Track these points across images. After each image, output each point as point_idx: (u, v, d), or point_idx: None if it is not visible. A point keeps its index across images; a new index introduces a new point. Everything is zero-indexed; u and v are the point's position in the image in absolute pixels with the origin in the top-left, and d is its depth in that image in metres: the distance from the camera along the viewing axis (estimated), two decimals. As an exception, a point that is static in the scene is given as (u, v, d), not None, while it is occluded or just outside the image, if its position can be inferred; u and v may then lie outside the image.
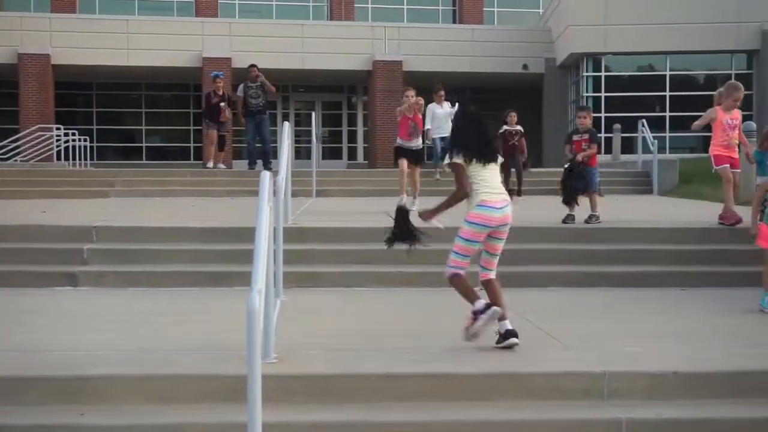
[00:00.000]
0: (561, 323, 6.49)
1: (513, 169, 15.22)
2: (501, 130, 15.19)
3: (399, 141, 12.28)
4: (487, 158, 5.86)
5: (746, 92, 25.63)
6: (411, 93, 12.13)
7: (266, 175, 5.04)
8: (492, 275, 5.82)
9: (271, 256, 5.34)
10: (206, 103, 18.79)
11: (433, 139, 16.66)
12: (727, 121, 9.55)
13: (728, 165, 9.49)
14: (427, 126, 15.85)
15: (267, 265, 4.81)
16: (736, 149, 9.63)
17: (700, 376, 5.04)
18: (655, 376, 5.00)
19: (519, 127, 15.50)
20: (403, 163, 12.03)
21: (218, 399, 4.69)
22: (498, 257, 5.85)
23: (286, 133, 9.50)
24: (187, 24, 28.23)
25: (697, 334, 6.15)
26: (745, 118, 20.72)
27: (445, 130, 15.64)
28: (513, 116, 15.53)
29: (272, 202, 5.46)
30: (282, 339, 5.47)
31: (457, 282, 5.89)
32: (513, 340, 5.52)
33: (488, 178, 5.84)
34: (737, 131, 9.64)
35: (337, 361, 5.18)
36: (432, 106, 16.43)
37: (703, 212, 11.41)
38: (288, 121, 29.40)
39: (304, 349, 5.42)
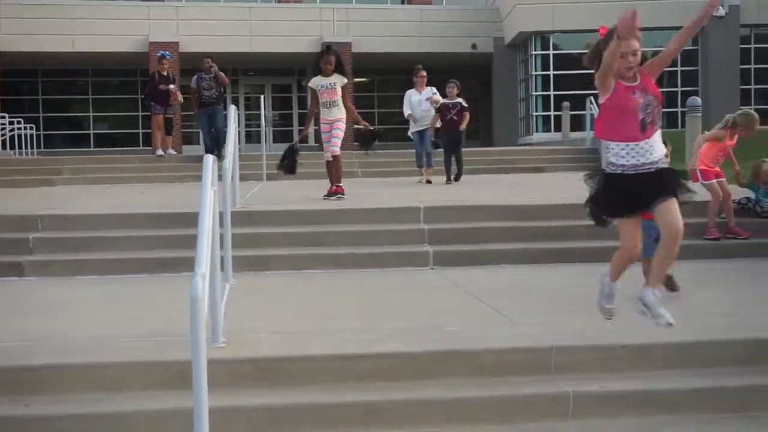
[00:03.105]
0: (510, 300, 6.54)
1: (449, 149, 13.63)
2: (438, 105, 13.64)
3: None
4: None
5: (692, 68, 26.20)
6: None
7: (209, 158, 5.00)
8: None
9: (218, 240, 5.29)
10: (151, 85, 18.38)
11: (412, 134, 14.11)
12: (728, 147, 9.12)
13: (715, 180, 8.95)
14: (407, 112, 13.90)
15: (212, 249, 4.78)
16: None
17: (645, 347, 5.11)
18: (601, 349, 5.07)
19: (460, 100, 13.60)
20: (629, 228, 5.02)
21: (166, 386, 4.65)
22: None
23: (232, 116, 9.43)
24: (132, 8, 27.86)
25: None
26: (689, 93, 21.08)
27: (422, 120, 13.88)
28: (452, 88, 13.62)
29: (217, 186, 5.42)
30: (231, 323, 5.44)
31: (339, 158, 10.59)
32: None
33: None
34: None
35: (286, 343, 5.17)
36: (409, 92, 14.02)
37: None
38: (237, 104, 29.29)
39: (253, 333, 5.40)
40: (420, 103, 13.78)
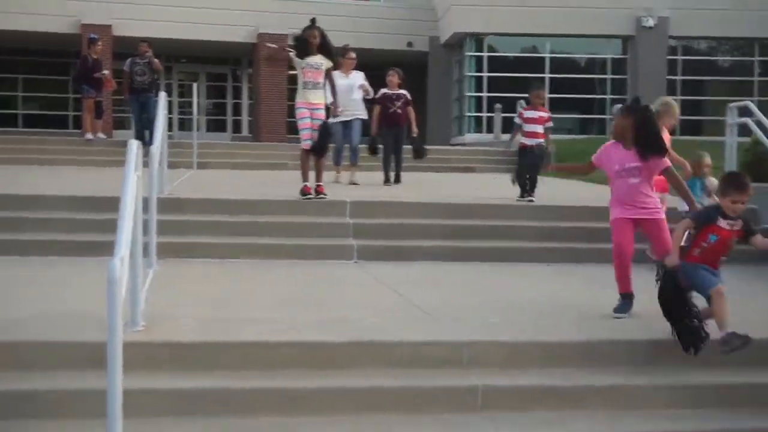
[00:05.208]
0: (430, 296, 6.70)
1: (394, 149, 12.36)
2: (378, 95, 12.32)
3: None
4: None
5: (620, 77, 26.59)
6: None
7: (134, 143, 5.03)
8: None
9: (141, 224, 5.32)
10: (81, 67, 18.07)
11: (333, 124, 11.20)
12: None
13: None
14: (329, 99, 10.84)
15: (135, 234, 4.83)
16: None
17: (552, 345, 5.30)
18: (511, 345, 5.24)
19: (403, 92, 12.30)
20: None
21: (82, 366, 4.67)
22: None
23: (162, 103, 9.42)
24: (66, -11, 27.30)
25: (554, 306, 6.43)
26: (618, 101, 21.48)
27: (349, 109, 11.93)
28: (392, 77, 12.28)
29: (141, 172, 5.44)
30: (152, 308, 5.49)
31: (305, 155, 9.63)
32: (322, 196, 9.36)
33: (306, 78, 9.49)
34: None
35: (205, 329, 5.23)
36: (334, 75, 10.94)
37: (571, 191, 11.81)
38: (171, 91, 28.94)
39: (173, 318, 5.45)
40: (350, 88, 12.08)
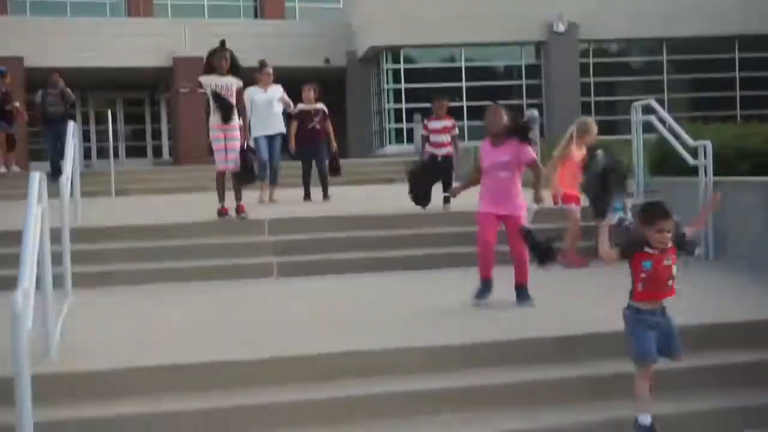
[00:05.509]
0: (346, 307, 6.85)
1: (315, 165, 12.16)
2: (295, 111, 12.15)
3: None
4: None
5: (534, 82, 27.04)
6: None
7: (36, 175, 5.01)
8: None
9: (48, 256, 5.28)
10: None
11: (256, 140, 11.65)
12: (579, 160, 8.85)
13: (574, 206, 8.97)
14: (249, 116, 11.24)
15: (44, 266, 4.83)
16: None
17: (467, 347, 5.42)
18: (425, 350, 5.35)
19: (320, 106, 12.20)
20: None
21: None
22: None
23: (71, 132, 9.33)
24: (-27, 22, 26.84)
25: (467, 308, 6.60)
26: (533, 106, 21.74)
27: (271, 124, 11.94)
28: (308, 92, 12.22)
29: (47, 203, 5.41)
30: (68, 338, 5.49)
31: (220, 177, 9.65)
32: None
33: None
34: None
35: (119, 356, 5.23)
36: (252, 90, 11.55)
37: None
38: (88, 120, 28.62)
39: (88, 347, 5.45)
40: (269, 102, 11.88)
